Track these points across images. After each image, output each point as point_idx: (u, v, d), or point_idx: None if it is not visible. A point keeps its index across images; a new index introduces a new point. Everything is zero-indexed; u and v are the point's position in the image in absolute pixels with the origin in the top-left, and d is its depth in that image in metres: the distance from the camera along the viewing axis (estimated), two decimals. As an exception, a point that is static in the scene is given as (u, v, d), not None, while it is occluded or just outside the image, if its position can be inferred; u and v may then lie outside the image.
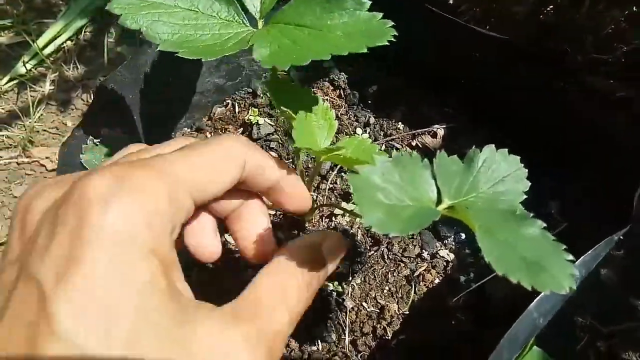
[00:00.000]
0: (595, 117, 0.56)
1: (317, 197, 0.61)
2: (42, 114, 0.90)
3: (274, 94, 0.42)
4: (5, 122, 0.89)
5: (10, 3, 1.01)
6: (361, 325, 0.53)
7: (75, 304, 0.23)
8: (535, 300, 0.39)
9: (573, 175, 0.57)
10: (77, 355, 0.22)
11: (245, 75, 0.72)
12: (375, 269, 0.56)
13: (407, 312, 0.53)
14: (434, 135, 0.66)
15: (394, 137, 0.66)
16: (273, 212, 0.59)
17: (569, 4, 0.65)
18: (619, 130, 0.55)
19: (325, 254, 0.37)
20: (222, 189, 0.32)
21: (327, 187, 0.62)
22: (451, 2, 0.73)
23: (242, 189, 0.36)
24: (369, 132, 0.67)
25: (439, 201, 0.32)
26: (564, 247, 0.28)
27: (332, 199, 0.61)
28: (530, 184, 0.35)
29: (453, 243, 0.58)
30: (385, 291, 0.54)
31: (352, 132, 0.68)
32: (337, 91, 0.71)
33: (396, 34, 0.37)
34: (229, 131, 0.69)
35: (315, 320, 0.53)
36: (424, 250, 0.57)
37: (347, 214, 0.58)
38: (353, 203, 0.29)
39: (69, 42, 0.97)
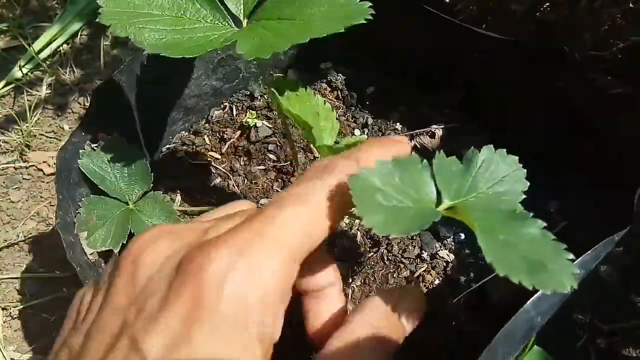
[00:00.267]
0: (595, 115, 0.56)
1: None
2: (39, 118, 0.89)
3: (280, 96, 0.43)
4: (2, 127, 0.89)
5: (5, 7, 1.01)
6: (362, 326, 0.53)
7: None
8: (532, 299, 0.39)
9: (573, 174, 0.57)
10: None
11: (242, 77, 0.72)
12: (375, 270, 0.56)
13: (408, 313, 0.53)
14: (432, 135, 0.66)
15: (392, 137, 0.66)
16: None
17: (566, 1, 0.65)
18: (619, 129, 0.55)
19: (403, 321, 0.33)
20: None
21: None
22: (447, 0, 0.73)
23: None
24: (367, 133, 0.67)
25: (439, 202, 0.32)
26: (565, 246, 0.28)
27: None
28: (529, 184, 0.35)
29: (453, 243, 0.58)
30: (385, 292, 0.54)
31: (350, 133, 0.68)
32: (335, 92, 0.71)
33: (374, 12, 0.38)
34: (227, 134, 0.69)
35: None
36: (423, 251, 0.57)
37: (346, 216, 0.58)
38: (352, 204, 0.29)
39: (65, 46, 0.97)
